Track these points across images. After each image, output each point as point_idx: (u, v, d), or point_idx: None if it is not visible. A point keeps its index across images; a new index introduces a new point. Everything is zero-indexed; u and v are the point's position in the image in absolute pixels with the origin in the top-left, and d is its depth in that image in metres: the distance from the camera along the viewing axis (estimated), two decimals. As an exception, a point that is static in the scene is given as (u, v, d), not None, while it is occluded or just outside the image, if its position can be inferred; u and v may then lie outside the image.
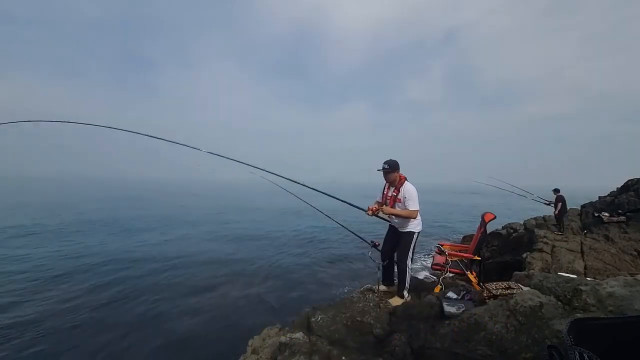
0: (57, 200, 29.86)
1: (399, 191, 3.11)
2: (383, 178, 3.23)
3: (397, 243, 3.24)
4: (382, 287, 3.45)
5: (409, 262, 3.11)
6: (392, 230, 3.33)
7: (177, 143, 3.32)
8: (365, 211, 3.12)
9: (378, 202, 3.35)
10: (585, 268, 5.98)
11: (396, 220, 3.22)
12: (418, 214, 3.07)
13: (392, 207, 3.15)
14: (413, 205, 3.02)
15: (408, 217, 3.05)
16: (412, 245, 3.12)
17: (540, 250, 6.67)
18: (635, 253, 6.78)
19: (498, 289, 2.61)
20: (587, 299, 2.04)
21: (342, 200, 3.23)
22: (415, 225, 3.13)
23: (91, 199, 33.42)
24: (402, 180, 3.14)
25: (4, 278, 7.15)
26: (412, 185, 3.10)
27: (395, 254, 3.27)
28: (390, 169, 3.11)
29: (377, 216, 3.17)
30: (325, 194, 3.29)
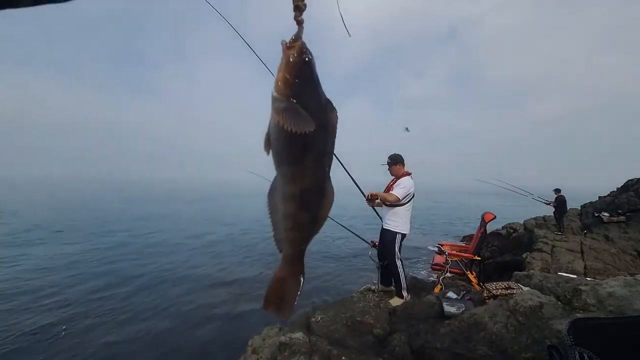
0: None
1: (396, 182, 3.13)
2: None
3: (382, 242, 3.25)
4: (382, 287, 3.46)
5: (398, 262, 3.09)
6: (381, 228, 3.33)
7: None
8: (365, 197, 3.11)
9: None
10: (585, 268, 5.99)
11: (379, 206, 3.21)
12: (396, 201, 2.99)
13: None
14: (396, 190, 2.99)
15: (384, 200, 3.03)
16: (396, 245, 3.09)
17: (540, 250, 6.68)
18: (635, 253, 6.79)
19: (498, 289, 2.61)
20: (587, 299, 2.05)
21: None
22: (396, 225, 3.09)
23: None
24: (405, 174, 3.15)
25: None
26: (410, 180, 3.09)
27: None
28: (392, 161, 3.15)
29: (369, 202, 3.13)
30: None
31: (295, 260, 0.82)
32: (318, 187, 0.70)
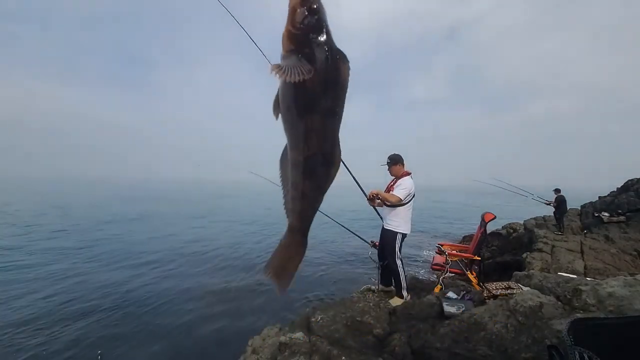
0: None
1: (396, 182, 3.13)
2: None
3: (383, 242, 3.25)
4: (382, 287, 3.46)
5: (398, 261, 3.09)
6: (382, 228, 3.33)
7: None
8: (367, 196, 3.11)
9: None
10: (585, 268, 5.99)
11: (380, 206, 3.20)
12: (398, 202, 3.00)
13: None
14: (397, 191, 3.00)
15: (385, 200, 3.03)
16: (397, 245, 3.09)
17: (540, 250, 6.68)
18: (635, 253, 6.79)
19: (498, 289, 2.61)
20: (587, 299, 2.05)
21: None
22: (397, 225, 3.09)
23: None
24: (405, 174, 3.15)
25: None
26: (410, 180, 3.10)
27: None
28: (392, 162, 3.15)
29: (371, 201, 3.13)
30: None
31: (298, 231, 0.80)
32: (324, 153, 0.66)
